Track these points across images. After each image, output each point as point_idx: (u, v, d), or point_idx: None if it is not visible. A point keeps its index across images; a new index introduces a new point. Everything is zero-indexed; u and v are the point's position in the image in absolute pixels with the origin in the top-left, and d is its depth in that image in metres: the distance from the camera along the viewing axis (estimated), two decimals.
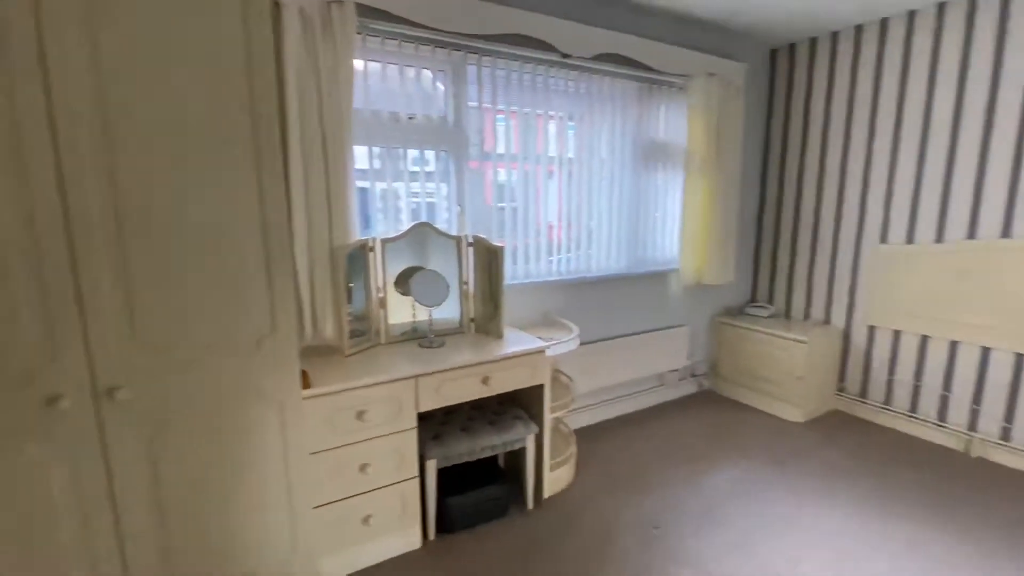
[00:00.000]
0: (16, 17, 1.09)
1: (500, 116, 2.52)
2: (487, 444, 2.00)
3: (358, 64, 2.00)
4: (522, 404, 2.22)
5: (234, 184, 1.35)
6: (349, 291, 1.97)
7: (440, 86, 2.35)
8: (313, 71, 1.84)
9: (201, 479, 1.40)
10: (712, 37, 3.07)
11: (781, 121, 3.41)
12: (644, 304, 3.16)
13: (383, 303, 2.12)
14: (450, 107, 2.36)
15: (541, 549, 1.96)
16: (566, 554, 1.94)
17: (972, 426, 2.68)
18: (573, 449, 2.44)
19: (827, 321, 3.29)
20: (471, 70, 2.35)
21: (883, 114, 2.89)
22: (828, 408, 3.23)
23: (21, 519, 1.21)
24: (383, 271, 2.11)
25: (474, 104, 2.39)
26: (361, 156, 2.12)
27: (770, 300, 3.62)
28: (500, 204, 2.62)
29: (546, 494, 2.23)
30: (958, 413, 2.73)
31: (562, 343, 2.24)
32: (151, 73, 1.23)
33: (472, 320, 2.31)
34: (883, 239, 2.96)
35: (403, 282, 2.12)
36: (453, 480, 2.06)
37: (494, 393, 2.00)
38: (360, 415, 1.71)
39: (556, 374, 2.49)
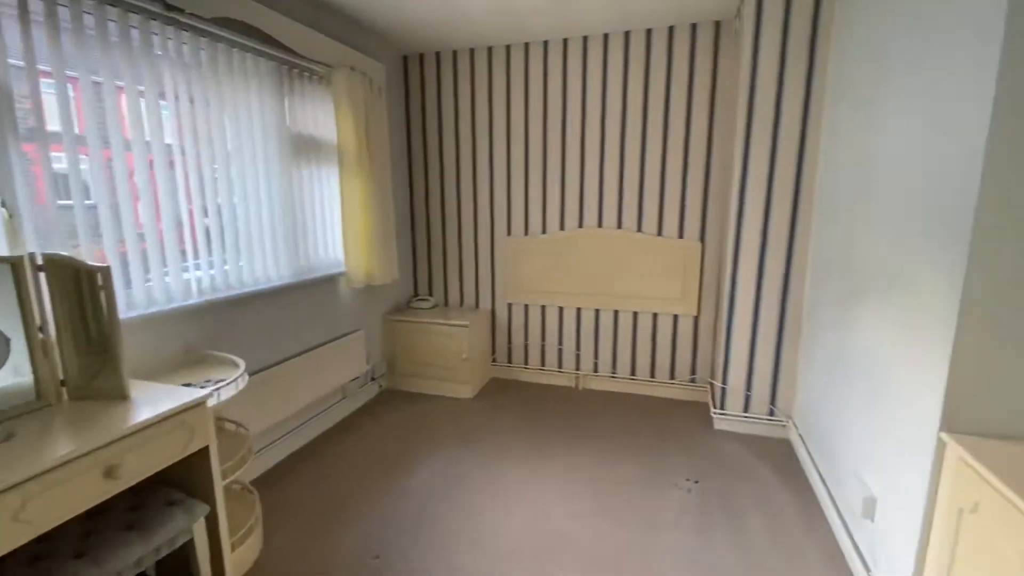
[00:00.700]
0: None
1: (67, 84, 1.70)
2: (126, 562, 1.35)
3: None
4: (177, 479, 1.61)
5: None
6: None
7: None
8: None
9: None
10: (352, 30, 2.97)
11: (420, 125, 3.65)
12: (315, 315, 2.85)
13: None
14: None
15: None
16: None
17: (577, 367, 3.61)
18: (258, 511, 1.96)
19: (477, 305, 3.79)
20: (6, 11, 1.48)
21: (497, 129, 3.47)
22: (488, 378, 3.75)
23: None
24: None
25: (18, 63, 1.53)
26: None
27: (430, 292, 3.90)
28: (66, 202, 1.76)
29: None
30: (569, 360, 3.62)
31: (226, 384, 1.74)
32: None
33: (63, 384, 1.51)
34: (509, 232, 3.59)
35: None
36: None
37: (128, 485, 1.36)
38: None
39: (222, 425, 1.94)
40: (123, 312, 1.81)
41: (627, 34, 3.09)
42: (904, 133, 1.66)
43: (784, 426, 2.85)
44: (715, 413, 2.98)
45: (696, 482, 2.42)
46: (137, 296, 1.90)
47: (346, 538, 2.03)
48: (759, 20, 2.54)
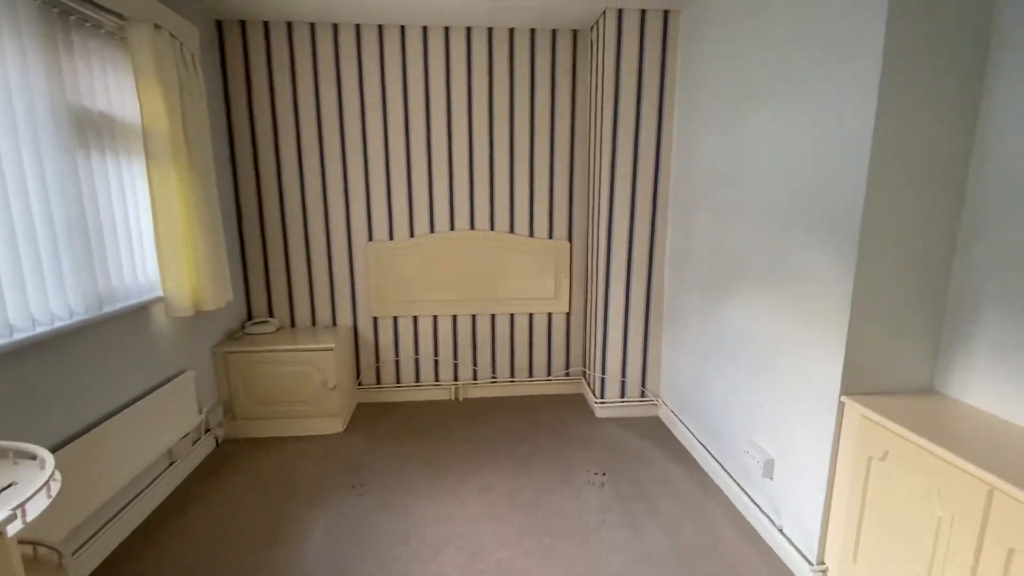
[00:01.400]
0: None
1: None
2: None
3: None
4: None
5: None
6: None
7: None
8: None
9: None
10: None
11: (246, 110, 2.97)
12: (123, 360, 2.07)
13: None
14: None
15: None
16: None
17: (456, 377, 3.42)
18: None
19: (335, 323, 3.28)
20: None
21: (350, 121, 3.03)
22: (355, 405, 3.29)
23: None
24: None
25: None
26: None
27: (271, 313, 3.23)
28: None
29: None
30: (446, 371, 3.41)
31: (33, 495, 1.10)
32: None
33: None
34: (370, 237, 3.19)
35: None
36: None
37: None
38: None
39: (32, 553, 1.23)
40: None
41: (490, 30, 3.01)
42: (779, 140, 1.94)
43: (655, 404, 3.16)
44: (597, 403, 3.13)
45: (604, 474, 2.50)
46: None
47: None
48: (620, 37, 2.72)
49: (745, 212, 2.16)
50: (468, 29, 2.99)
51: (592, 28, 2.98)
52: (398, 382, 3.39)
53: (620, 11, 2.69)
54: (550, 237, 3.29)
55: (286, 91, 2.97)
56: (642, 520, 2.15)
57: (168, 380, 2.33)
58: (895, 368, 1.62)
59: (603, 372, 3.12)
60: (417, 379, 3.40)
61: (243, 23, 2.88)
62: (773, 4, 1.92)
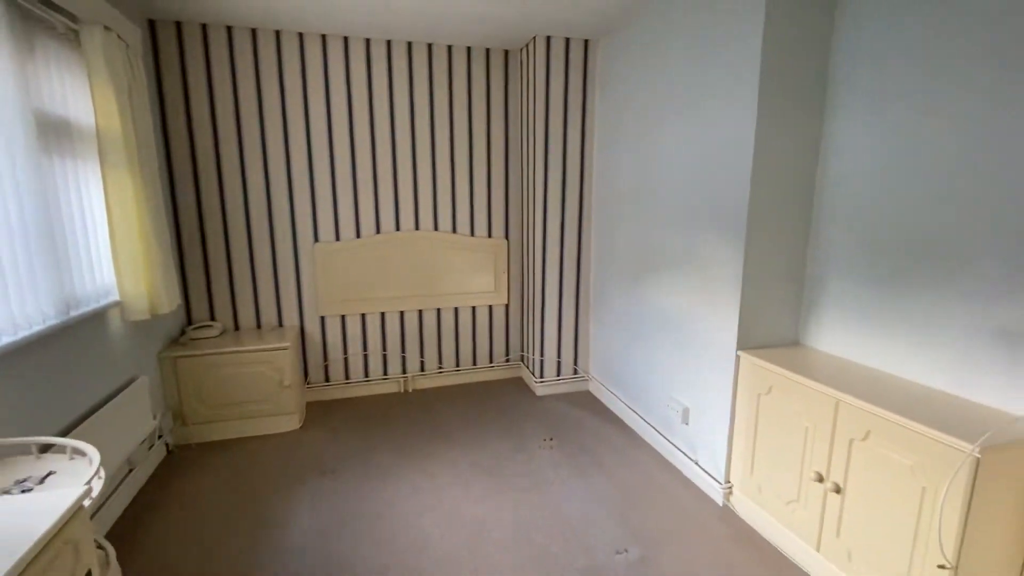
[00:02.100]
0: None
1: None
2: None
3: None
4: None
5: None
6: None
7: None
8: None
9: None
10: None
11: (183, 112, 2.93)
12: (87, 365, 2.05)
13: None
14: None
15: None
16: None
17: (404, 370, 3.61)
18: None
19: (281, 324, 3.32)
20: None
21: (294, 125, 3.11)
22: (304, 404, 3.35)
23: None
24: None
25: None
26: None
27: (213, 317, 3.19)
28: None
29: None
30: (395, 364, 3.59)
31: (94, 475, 1.20)
32: None
33: None
34: (316, 238, 3.28)
35: None
36: None
37: None
38: None
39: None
40: None
41: (430, 46, 3.26)
42: (683, 152, 2.44)
43: (586, 380, 3.62)
44: (537, 382, 3.52)
45: (552, 439, 2.88)
46: None
47: None
48: (548, 61, 3.12)
49: (659, 211, 2.66)
50: (409, 44, 3.22)
51: (522, 50, 3.35)
52: (347, 378, 3.51)
53: (548, 38, 3.09)
54: (489, 236, 3.62)
55: (227, 94, 2.97)
56: (589, 471, 2.56)
57: (124, 387, 2.30)
58: (773, 328, 2.18)
59: (541, 355, 3.51)
60: (366, 374, 3.54)
61: (178, 24, 2.84)
62: (674, 40, 2.43)
